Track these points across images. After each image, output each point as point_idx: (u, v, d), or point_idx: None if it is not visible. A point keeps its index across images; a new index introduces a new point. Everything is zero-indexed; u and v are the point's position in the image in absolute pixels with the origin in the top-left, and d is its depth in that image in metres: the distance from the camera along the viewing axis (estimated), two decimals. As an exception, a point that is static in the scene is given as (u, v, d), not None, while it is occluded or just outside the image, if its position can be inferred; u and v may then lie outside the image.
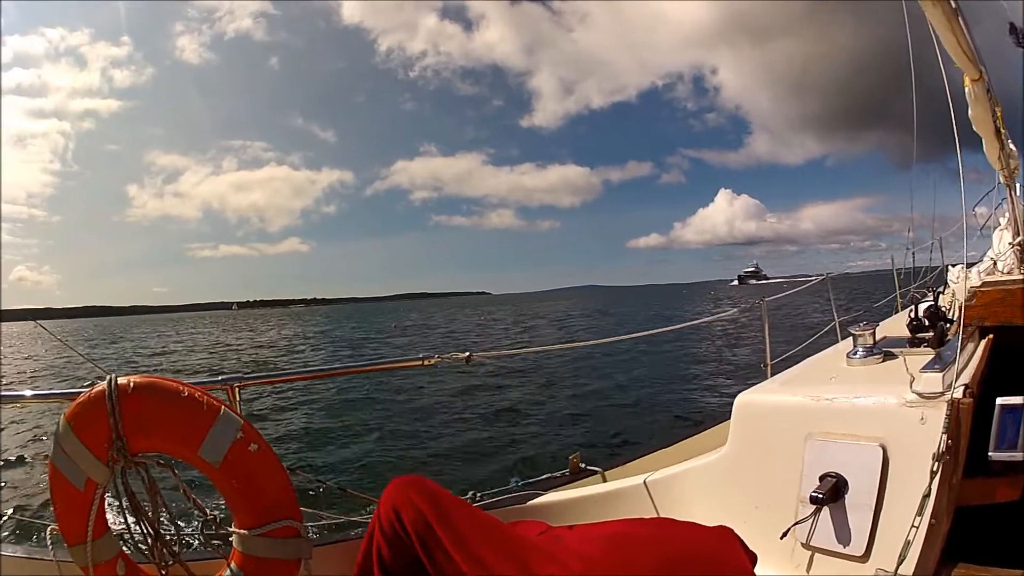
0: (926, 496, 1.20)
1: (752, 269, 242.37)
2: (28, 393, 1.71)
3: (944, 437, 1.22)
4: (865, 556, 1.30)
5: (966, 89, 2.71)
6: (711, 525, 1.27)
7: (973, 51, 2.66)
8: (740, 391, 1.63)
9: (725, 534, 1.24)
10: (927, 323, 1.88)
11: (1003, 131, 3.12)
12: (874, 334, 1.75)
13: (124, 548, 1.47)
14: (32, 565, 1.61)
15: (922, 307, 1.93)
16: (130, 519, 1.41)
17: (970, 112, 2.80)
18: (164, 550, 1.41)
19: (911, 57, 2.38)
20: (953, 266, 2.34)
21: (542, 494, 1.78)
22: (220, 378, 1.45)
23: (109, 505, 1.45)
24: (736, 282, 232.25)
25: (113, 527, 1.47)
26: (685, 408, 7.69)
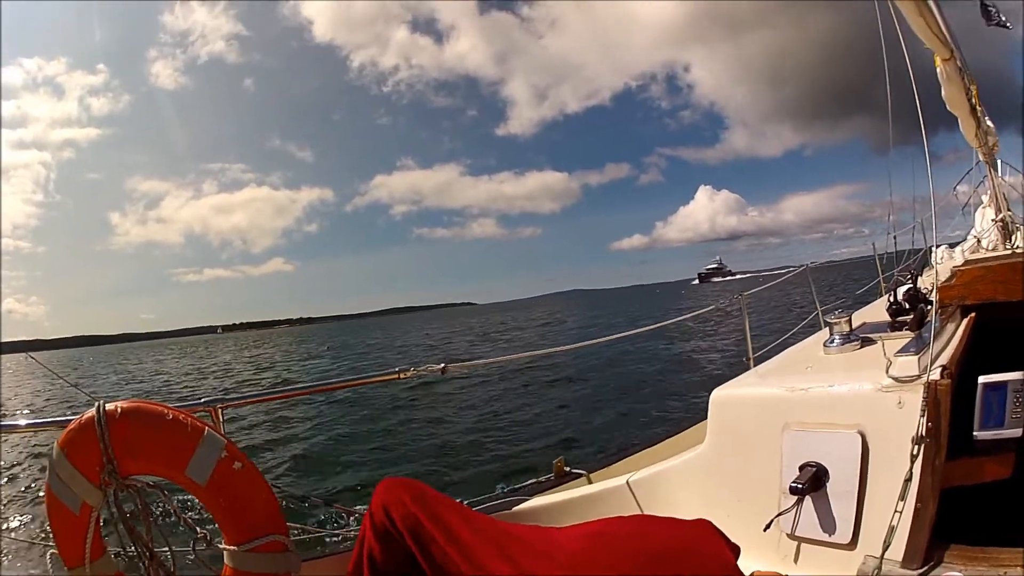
0: (908, 480, 1.20)
1: (715, 265, 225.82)
2: (23, 423, 1.75)
3: (923, 420, 1.22)
4: (852, 544, 1.30)
5: (938, 69, 2.72)
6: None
7: (943, 31, 2.67)
8: (719, 386, 1.64)
9: (704, 527, 1.25)
10: (907, 306, 1.89)
11: (979, 108, 3.11)
12: (850, 321, 1.76)
13: (121, 568, 1.50)
14: None
15: (901, 290, 1.94)
16: (125, 540, 1.45)
17: (943, 92, 2.80)
18: (159, 569, 1.44)
19: (882, 41, 2.39)
20: (936, 247, 2.35)
21: (528, 499, 1.79)
22: (203, 400, 1.47)
23: (104, 527, 1.48)
24: (696, 281, 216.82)
25: (109, 548, 1.50)
26: (670, 406, 7.66)
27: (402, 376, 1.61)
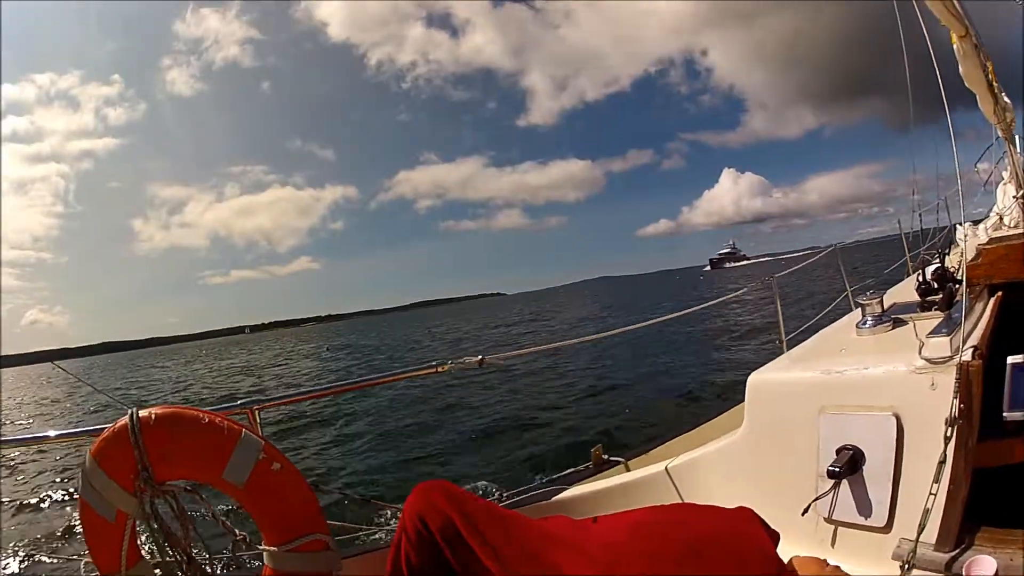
0: (942, 462, 1.19)
1: (728, 250, 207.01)
2: (52, 433, 1.75)
3: (956, 401, 1.21)
4: (887, 527, 1.30)
5: (955, 46, 2.68)
6: (733, 507, 1.28)
7: (958, 8, 2.63)
8: (755, 370, 1.63)
9: (745, 515, 1.24)
10: (935, 286, 1.87)
11: (995, 85, 3.07)
12: (882, 302, 1.74)
13: (158, 574, 1.50)
14: None
15: (929, 270, 1.91)
16: (162, 546, 1.45)
17: (960, 69, 2.77)
18: (197, 573, 1.44)
19: (899, 20, 2.36)
20: (960, 225, 2.32)
21: (567, 488, 1.79)
22: (239, 403, 1.48)
23: (140, 534, 1.49)
24: (708, 267, 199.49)
25: (145, 555, 1.50)
26: (706, 391, 7.63)
27: (440, 370, 1.61)
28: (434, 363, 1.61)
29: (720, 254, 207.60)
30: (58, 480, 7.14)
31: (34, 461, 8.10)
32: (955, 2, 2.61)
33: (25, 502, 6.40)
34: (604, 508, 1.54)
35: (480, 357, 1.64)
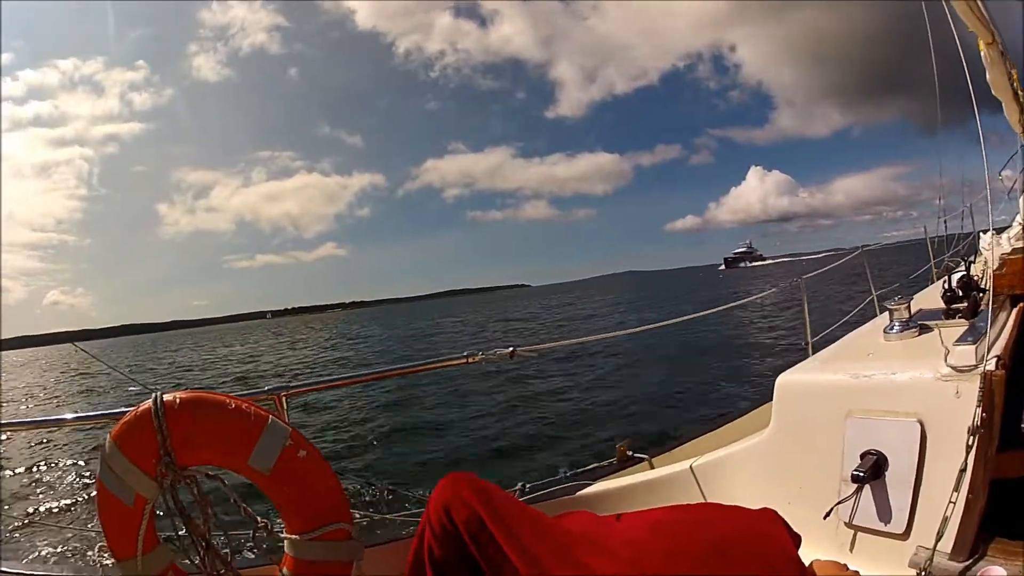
0: (962, 471, 1.19)
1: (744, 249, 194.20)
2: (69, 416, 1.75)
3: (979, 410, 1.21)
4: (905, 533, 1.30)
5: (982, 53, 2.65)
6: (756, 507, 1.27)
7: (984, 14, 2.60)
8: (782, 371, 1.62)
9: (769, 516, 1.24)
10: (960, 293, 1.86)
11: (1020, 93, 3.05)
12: (909, 307, 1.73)
13: (176, 559, 1.50)
14: None
15: (955, 277, 1.91)
16: (181, 531, 1.45)
17: (988, 75, 2.74)
18: (216, 559, 1.44)
19: (927, 22, 2.34)
20: (984, 232, 2.30)
21: (591, 483, 1.78)
22: (266, 388, 1.47)
23: (158, 518, 1.48)
24: (723, 266, 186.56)
25: (163, 540, 1.50)
26: (731, 390, 7.60)
27: (470, 361, 1.60)
28: (464, 354, 1.60)
29: (736, 253, 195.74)
30: (71, 462, 7.15)
31: (42, 444, 8.11)
32: (982, 7, 2.59)
33: (36, 484, 6.40)
34: (628, 505, 1.53)
35: (511, 349, 1.63)
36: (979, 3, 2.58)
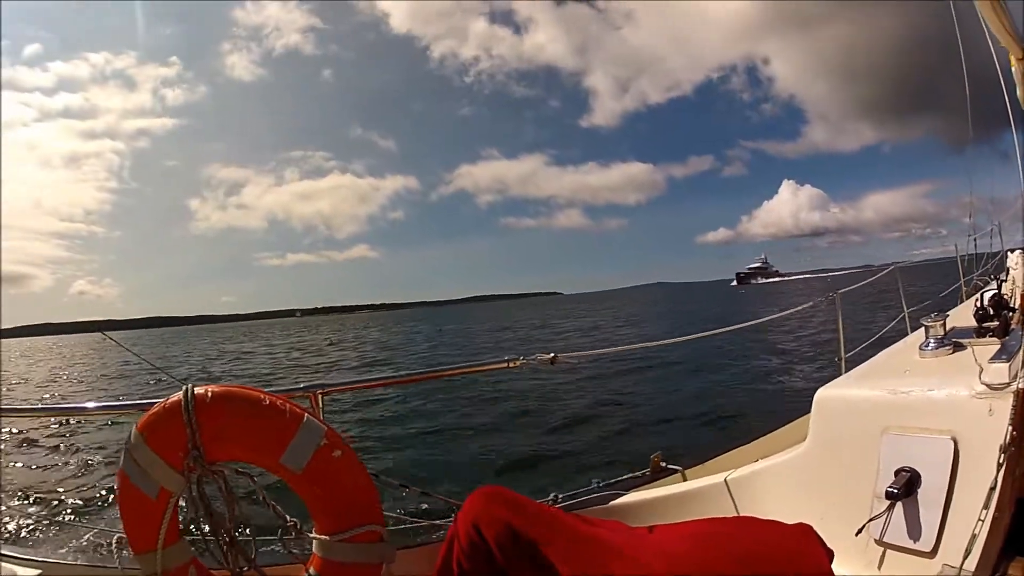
0: (992, 489, 1.17)
1: (758, 265, 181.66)
2: (91, 405, 1.73)
3: (1010, 428, 1.20)
4: (933, 552, 1.29)
5: (1012, 68, 2.64)
6: (791, 522, 1.26)
7: (1014, 29, 2.59)
8: (815, 386, 1.61)
9: (805, 531, 1.23)
10: (992, 312, 1.85)
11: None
12: (944, 324, 1.72)
13: (198, 554, 1.48)
14: (96, 573, 1.63)
15: (987, 296, 1.90)
16: (205, 526, 1.43)
17: (1018, 91, 2.73)
18: (239, 556, 1.42)
19: (959, 38, 2.33)
20: (1011, 252, 2.28)
21: (623, 494, 1.77)
22: (303, 385, 1.45)
23: (181, 512, 1.46)
24: (735, 282, 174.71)
25: (185, 536, 1.48)
26: (764, 404, 7.55)
27: (511, 366, 1.59)
28: (506, 359, 1.59)
29: (749, 268, 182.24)
30: (91, 450, 7.11)
31: (59, 436, 8.04)
32: (1012, 23, 2.58)
33: (54, 471, 6.36)
34: (660, 516, 1.52)
35: (552, 355, 1.62)
36: (1008, 17, 2.57)
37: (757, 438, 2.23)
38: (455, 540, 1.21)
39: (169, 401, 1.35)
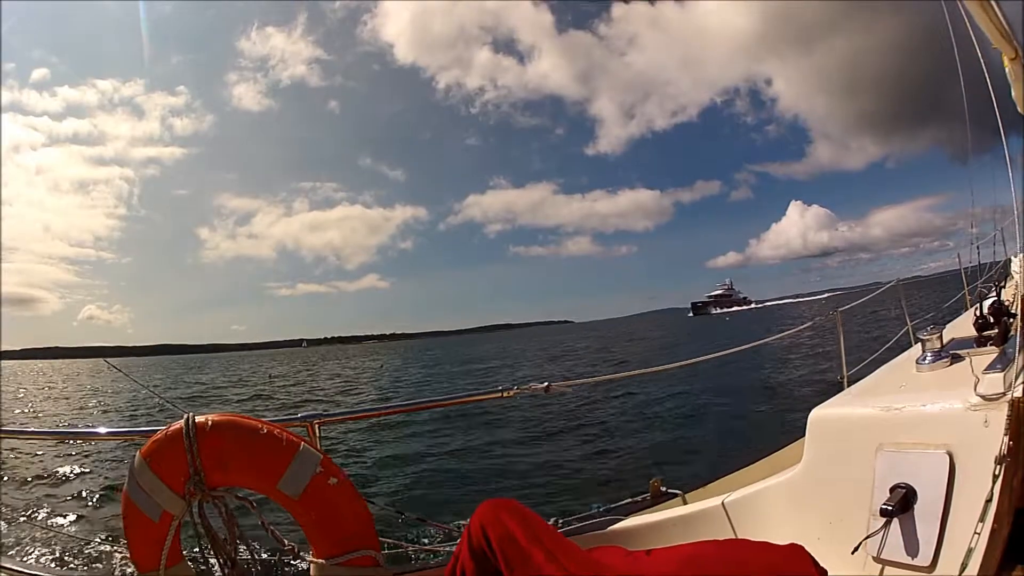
0: (988, 501, 1.16)
1: (720, 292, 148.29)
2: (102, 430, 1.78)
3: (1006, 439, 1.17)
4: (931, 567, 1.26)
5: (1006, 69, 2.61)
6: (786, 543, 1.26)
7: (1006, 28, 2.56)
8: (816, 405, 1.60)
9: (796, 552, 1.23)
10: (992, 320, 1.82)
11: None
12: (941, 337, 1.70)
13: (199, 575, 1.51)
14: None
15: (987, 304, 1.87)
16: (206, 548, 1.46)
17: (1013, 92, 2.69)
18: (240, 578, 1.45)
19: (954, 45, 2.31)
20: (1014, 257, 2.25)
21: (623, 518, 1.77)
22: (300, 415, 1.48)
23: (182, 535, 1.50)
24: (691, 313, 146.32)
25: (187, 557, 1.51)
26: (766, 426, 7.45)
27: (505, 395, 1.60)
28: (500, 388, 1.60)
29: (709, 296, 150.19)
30: (94, 473, 7.17)
31: (61, 456, 8.11)
32: (1004, 22, 2.55)
33: (57, 494, 6.40)
34: (660, 540, 1.52)
35: (546, 384, 1.63)
36: (999, 15, 2.54)
37: (758, 460, 2.22)
38: (464, 546, 1.23)
39: (171, 428, 1.39)
